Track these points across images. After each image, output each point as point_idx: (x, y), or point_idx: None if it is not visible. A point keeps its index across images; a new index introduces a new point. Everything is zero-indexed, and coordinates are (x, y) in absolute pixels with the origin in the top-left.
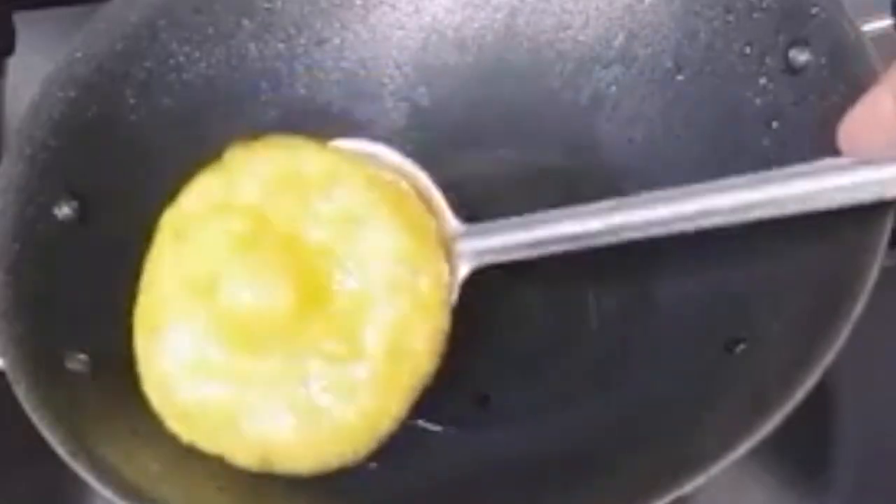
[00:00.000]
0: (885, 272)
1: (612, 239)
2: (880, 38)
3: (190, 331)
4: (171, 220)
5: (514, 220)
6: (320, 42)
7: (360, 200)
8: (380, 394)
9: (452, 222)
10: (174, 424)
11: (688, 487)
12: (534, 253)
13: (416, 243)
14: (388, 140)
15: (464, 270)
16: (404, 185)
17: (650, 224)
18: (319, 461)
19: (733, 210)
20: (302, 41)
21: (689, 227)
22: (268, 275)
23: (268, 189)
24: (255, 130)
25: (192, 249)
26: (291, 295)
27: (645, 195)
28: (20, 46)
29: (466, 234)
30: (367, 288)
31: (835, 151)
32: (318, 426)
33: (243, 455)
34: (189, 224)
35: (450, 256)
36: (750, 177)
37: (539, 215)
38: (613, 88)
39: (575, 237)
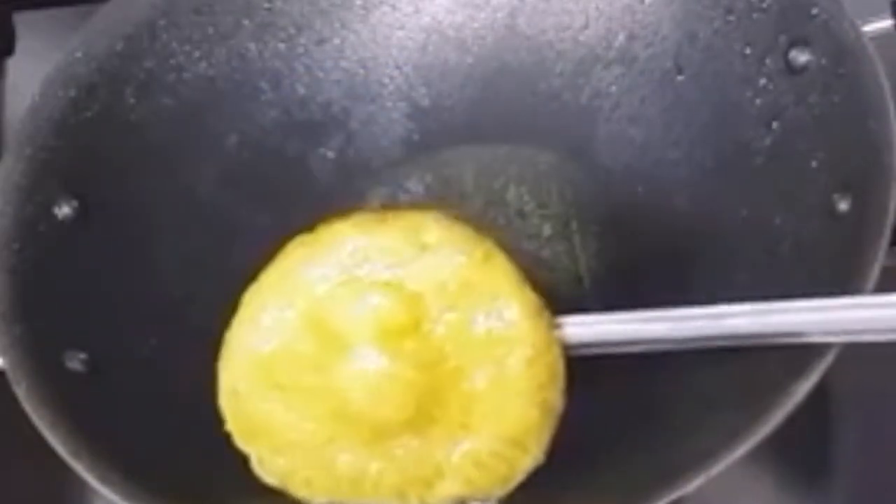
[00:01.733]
0: (885, 272)
1: (717, 343)
2: (880, 38)
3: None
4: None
5: (609, 315)
6: (320, 42)
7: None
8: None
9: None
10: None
11: (688, 487)
12: (623, 350)
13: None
14: (388, 139)
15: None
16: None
17: (765, 335)
18: None
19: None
20: (302, 41)
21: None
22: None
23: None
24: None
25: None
26: (405, 412)
27: (760, 306)
28: (20, 46)
29: (558, 326)
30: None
31: (833, 151)
32: None
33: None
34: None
35: None
36: None
37: (637, 314)
38: (613, 88)
39: (672, 340)
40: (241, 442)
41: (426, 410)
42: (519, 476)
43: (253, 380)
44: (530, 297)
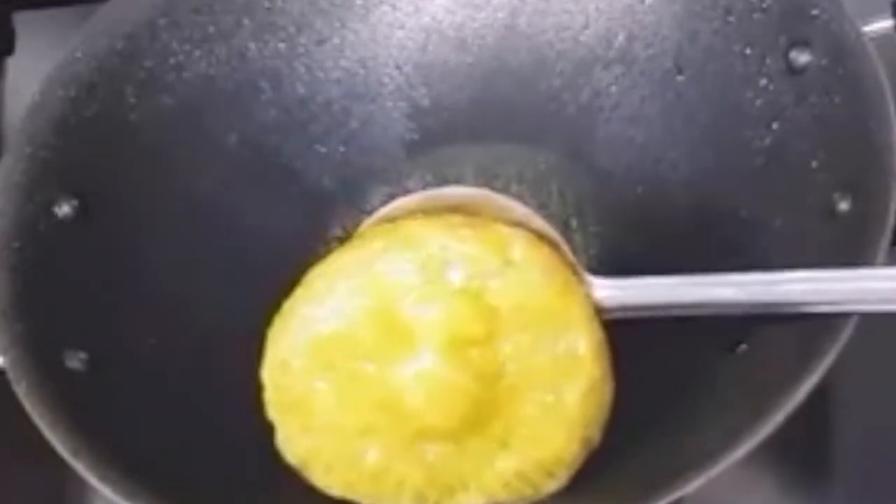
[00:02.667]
0: None
1: (755, 310)
2: (880, 38)
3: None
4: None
5: (648, 279)
6: (320, 41)
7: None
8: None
9: (584, 274)
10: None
11: (688, 488)
12: (661, 313)
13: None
14: (388, 139)
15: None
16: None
17: (805, 303)
18: None
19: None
20: (302, 40)
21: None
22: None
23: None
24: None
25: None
26: (455, 420)
27: (798, 273)
28: (20, 46)
29: (599, 288)
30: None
31: (833, 151)
32: None
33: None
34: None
35: None
36: None
37: (676, 279)
38: (613, 88)
39: (716, 304)
40: (275, 413)
41: (471, 422)
42: (540, 498)
43: (307, 355)
44: (598, 334)
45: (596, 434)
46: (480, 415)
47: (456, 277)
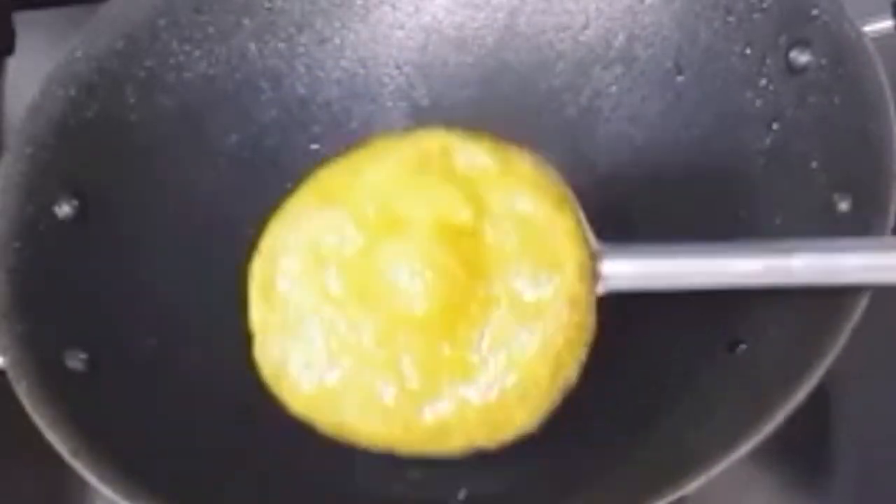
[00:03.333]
0: None
1: (759, 281)
2: (880, 38)
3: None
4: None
5: (658, 246)
6: (320, 41)
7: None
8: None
9: (592, 241)
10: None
11: (688, 488)
12: (673, 284)
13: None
14: None
15: (599, 290)
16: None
17: (809, 271)
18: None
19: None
20: (302, 41)
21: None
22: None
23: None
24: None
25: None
26: (433, 311)
27: (800, 242)
28: (20, 46)
29: (607, 254)
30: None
31: (833, 151)
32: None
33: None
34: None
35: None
36: None
37: (686, 246)
38: (613, 88)
39: (726, 275)
40: (257, 310)
41: (451, 315)
42: (512, 435)
43: (298, 251)
44: (585, 259)
45: (572, 368)
46: (461, 310)
47: (453, 166)
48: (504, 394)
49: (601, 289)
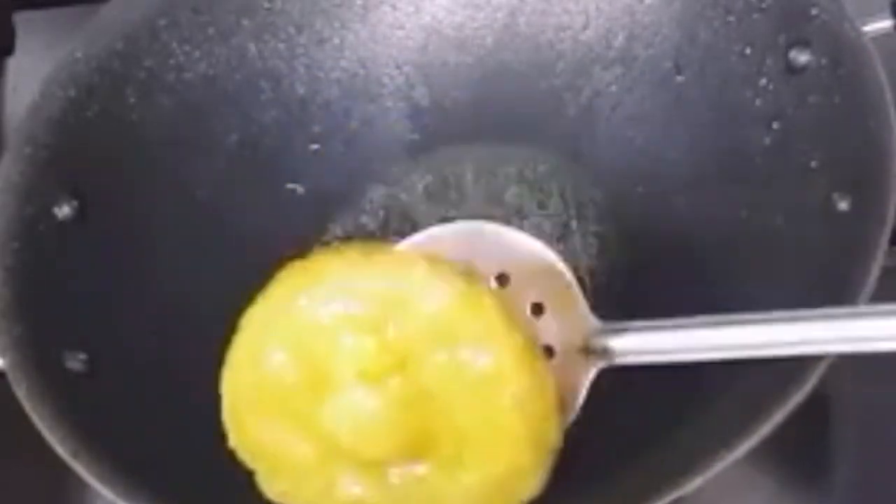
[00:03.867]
0: (886, 272)
1: (763, 353)
2: (880, 38)
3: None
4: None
5: (654, 323)
6: (320, 42)
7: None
8: None
9: (589, 318)
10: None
11: (687, 488)
12: (671, 359)
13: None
14: (388, 139)
15: (594, 369)
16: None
17: (804, 343)
18: None
19: None
20: (302, 41)
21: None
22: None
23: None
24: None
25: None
26: (393, 448)
27: (801, 312)
28: (20, 46)
29: (602, 332)
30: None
31: (833, 151)
32: None
33: None
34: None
35: (584, 353)
36: None
37: (682, 321)
38: (613, 88)
39: (722, 348)
40: (245, 459)
41: (415, 448)
42: (528, 499)
43: (249, 402)
44: (518, 338)
45: (552, 436)
46: (421, 439)
47: (361, 309)
48: (498, 483)
49: (600, 364)
